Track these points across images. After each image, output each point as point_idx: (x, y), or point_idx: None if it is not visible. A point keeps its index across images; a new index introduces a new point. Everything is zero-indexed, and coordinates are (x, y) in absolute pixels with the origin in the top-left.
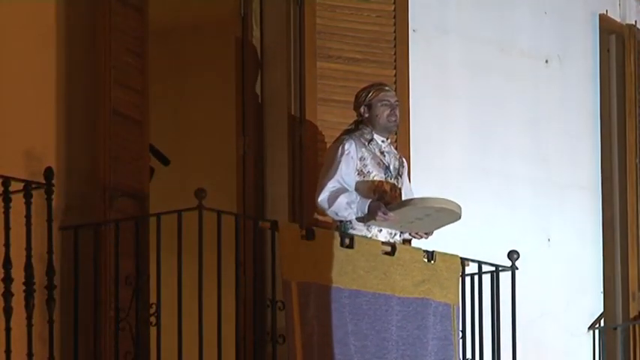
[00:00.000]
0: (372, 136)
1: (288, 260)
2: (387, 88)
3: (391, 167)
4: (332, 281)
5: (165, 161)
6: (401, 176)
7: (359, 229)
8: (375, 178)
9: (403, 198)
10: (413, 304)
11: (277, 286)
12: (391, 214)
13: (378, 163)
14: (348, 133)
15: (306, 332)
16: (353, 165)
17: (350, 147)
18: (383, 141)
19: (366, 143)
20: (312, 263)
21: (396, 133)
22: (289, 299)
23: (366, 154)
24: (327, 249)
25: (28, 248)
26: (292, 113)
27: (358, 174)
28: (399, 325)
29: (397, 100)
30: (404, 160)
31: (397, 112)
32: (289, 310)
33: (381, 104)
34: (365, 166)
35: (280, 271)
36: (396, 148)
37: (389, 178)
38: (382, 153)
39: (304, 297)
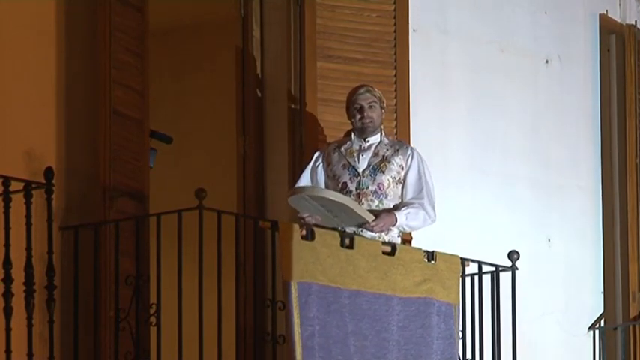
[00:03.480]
0: (351, 138)
1: (288, 260)
2: (361, 90)
3: (359, 167)
4: (332, 281)
5: (167, 140)
6: (384, 172)
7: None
8: (340, 180)
9: (403, 194)
10: (415, 304)
11: (277, 286)
12: (304, 216)
13: (344, 165)
14: (335, 142)
15: (307, 332)
16: (320, 175)
17: (319, 158)
18: (364, 141)
19: (339, 147)
20: (312, 263)
21: (396, 133)
22: (289, 299)
23: (335, 159)
24: (327, 249)
25: (28, 248)
26: (292, 113)
27: (331, 179)
28: (400, 325)
29: (373, 101)
30: (409, 155)
31: (371, 113)
32: (289, 310)
33: (353, 107)
34: (332, 170)
35: (280, 272)
36: (396, 150)
37: (354, 177)
38: (358, 154)
39: (304, 297)
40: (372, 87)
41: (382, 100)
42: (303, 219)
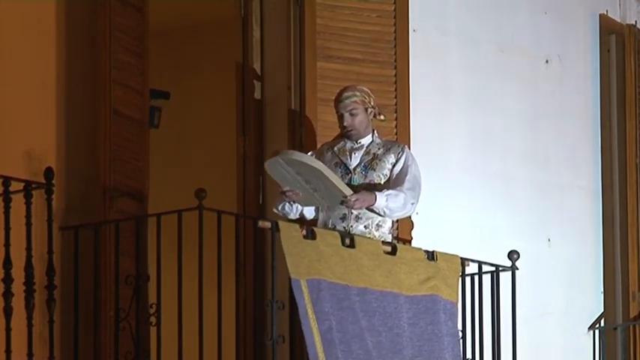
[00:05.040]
0: (343, 139)
1: (293, 259)
2: (341, 97)
3: (350, 164)
4: (340, 279)
5: (165, 95)
6: (375, 170)
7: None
8: None
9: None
10: (422, 301)
11: (277, 286)
12: (285, 189)
13: (336, 163)
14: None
15: (324, 326)
16: None
17: (311, 156)
18: (355, 142)
19: (332, 147)
20: (317, 261)
21: (396, 133)
22: (301, 296)
23: (327, 158)
24: (329, 248)
25: (29, 248)
26: (292, 113)
27: None
28: (410, 322)
29: (354, 108)
30: (399, 152)
31: (352, 121)
32: (302, 308)
33: (338, 115)
34: None
35: (288, 270)
36: (388, 149)
37: (345, 174)
38: (350, 152)
39: (316, 293)
40: (353, 91)
41: (366, 102)
42: (284, 193)
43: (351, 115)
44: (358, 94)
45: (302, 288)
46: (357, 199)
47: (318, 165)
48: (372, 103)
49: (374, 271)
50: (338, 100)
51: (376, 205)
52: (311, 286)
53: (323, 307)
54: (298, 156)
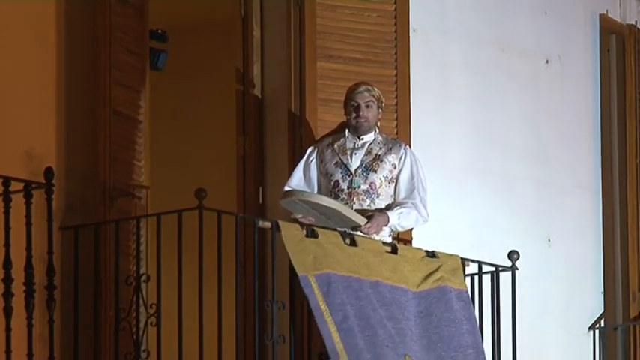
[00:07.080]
0: (345, 135)
1: (298, 257)
2: (360, 88)
3: (351, 165)
4: (349, 271)
5: (163, 38)
6: (376, 172)
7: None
8: (333, 178)
9: (396, 193)
10: (432, 294)
11: (277, 286)
12: (295, 216)
13: (336, 163)
14: (328, 135)
15: (339, 317)
16: (312, 171)
17: (312, 153)
18: (358, 139)
19: (332, 144)
20: (324, 257)
21: (396, 133)
22: (311, 291)
23: (328, 156)
24: (333, 245)
25: (29, 248)
26: (292, 113)
27: (323, 176)
28: (422, 315)
29: (371, 100)
30: (402, 154)
31: (366, 113)
32: (314, 302)
33: (349, 104)
34: (325, 167)
35: (295, 269)
36: (390, 149)
37: (346, 176)
38: (351, 152)
39: (326, 286)
40: (371, 86)
41: (381, 100)
42: (296, 220)
43: (367, 106)
44: (376, 90)
45: (311, 284)
46: (370, 227)
47: (335, 205)
48: (383, 104)
49: (381, 266)
50: (355, 91)
51: (389, 224)
52: (320, 280)
53: (336, 299)
54: (317, 199)
